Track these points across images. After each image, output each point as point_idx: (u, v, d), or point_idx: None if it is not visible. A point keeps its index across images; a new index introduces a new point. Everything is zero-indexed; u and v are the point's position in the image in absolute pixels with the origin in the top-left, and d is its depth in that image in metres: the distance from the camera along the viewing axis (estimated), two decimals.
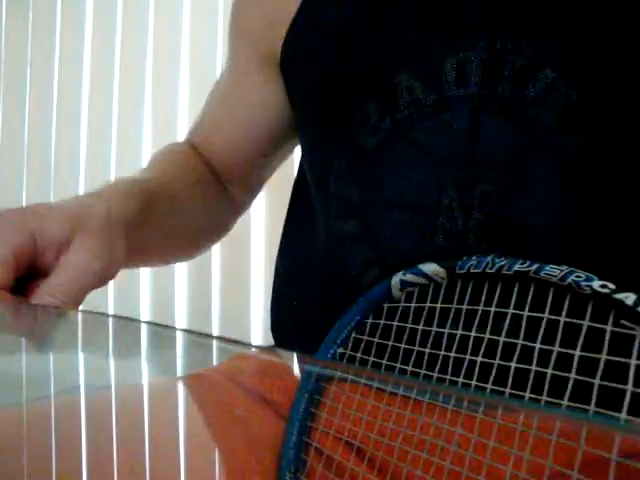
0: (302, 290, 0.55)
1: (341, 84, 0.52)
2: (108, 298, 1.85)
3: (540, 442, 0.30)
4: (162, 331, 1.66)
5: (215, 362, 0.59)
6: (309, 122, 0.58)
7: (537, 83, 0.43)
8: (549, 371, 0.30)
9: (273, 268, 0.60)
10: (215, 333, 1.67)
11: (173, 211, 0.57)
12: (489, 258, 0.36)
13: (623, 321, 0.28)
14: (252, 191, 0.71)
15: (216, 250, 1.64)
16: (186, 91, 1.71)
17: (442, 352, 0.38)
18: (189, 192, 0.61)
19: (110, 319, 1.80)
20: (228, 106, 0.66)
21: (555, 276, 0.32)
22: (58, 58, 1.98)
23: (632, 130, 0.43)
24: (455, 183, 0.43)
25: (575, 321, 0.30)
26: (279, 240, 0.61)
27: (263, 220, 1.53)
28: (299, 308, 0.54)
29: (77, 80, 1.93)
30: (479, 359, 0.35)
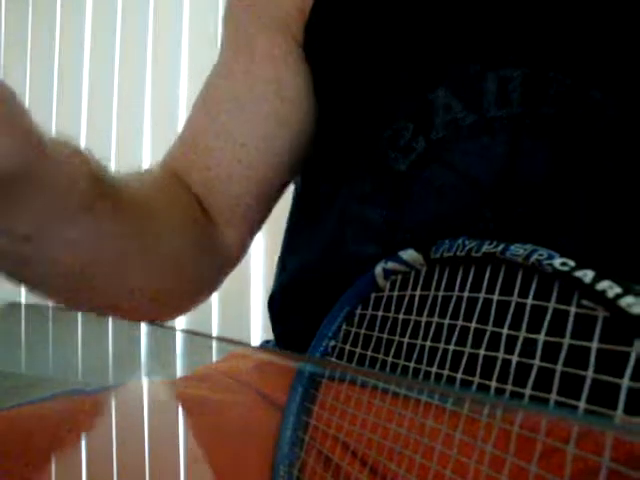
0: (309, 309, 0.49)
1: (370, 94, 0.47)
2: None
3: (550, 450, 0.29)
4: (163, 331, 1.66)
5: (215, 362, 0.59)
6: (330, 129, 0.52)
7: (584, 104, 0.40)
8: (514, 358, 0.30)
9: (273, 269, 0.59)
10: (215, 333, 1.67)
11: (144, 221, 0.39)
12: (460, 240, 0.36)
13: (583, 301, 0.28)
14: (252, 235, 0.52)
15: None
16: (185, 89, 1.71)
17: (419, 341, 0.38)
18: (168, 212, 0.43)
19: (110, 319, 1.80)
20: (238, 105, 0.49)
21: (519, 256, 0.31)
22: (58, 57, 1.99)
23: None
24: (492, 207, 0.41)
25: (541, 303, 0.30)
26: (279, 240, 0.60)
27: None
28: (306, 320, 0.51)
29: (77, 79, 1.93)
30: (451, 347, 0.35)
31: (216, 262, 0.49)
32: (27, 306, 1.74)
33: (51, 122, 1.99)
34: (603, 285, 0.26)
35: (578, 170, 0.40)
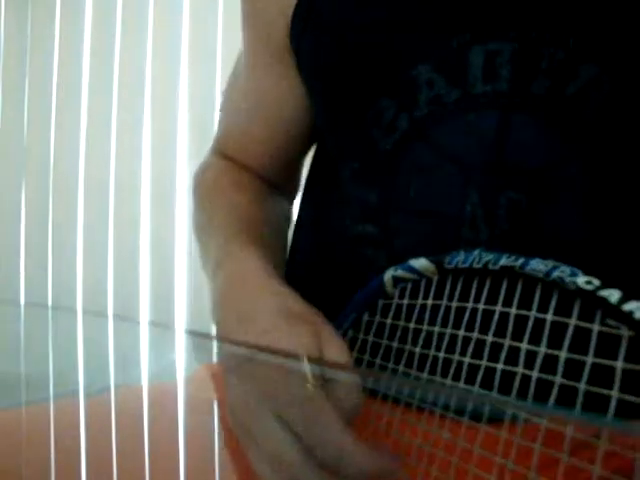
0: (316, 286, 0.51)
1: (351, 75, 0.46)
2: (108, 298, 1.84)
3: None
4: (163, 331, 1.66)
5: (215, 362, 0.58)
6: (319, 114, 0.53)
7: (578, 79, 0.38)
8: (534, 373, 0.29)
9: None
10: (215, 333, 1.66)
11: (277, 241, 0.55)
12: (476, 253, 0.35)
13: (608, 320, 0.27)
14: (296, 183, 0.67)
15: None
16: (185, 88, 1.70)
17: (432, 352, 0.37)
18: (273, 219, 0.57)
19: (110, 319, 1.79)
20: (256, 109, 0.59)
21: (540, 272, 0.31)
22: (57, 57, 1.98)
23: None
24: (479, 190, 0.39)
25: (561, 319, 0.29)
26: None
27: None
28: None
29: (77, 79, 1.93)
30: (466, 360, 0.34)
31: (290, 198, 0.64)
32: (27, 306, 1.73)
33: (50, 123, 1.98)
34: (630, 306, 0.26)
35: (574, 151, 0.38)
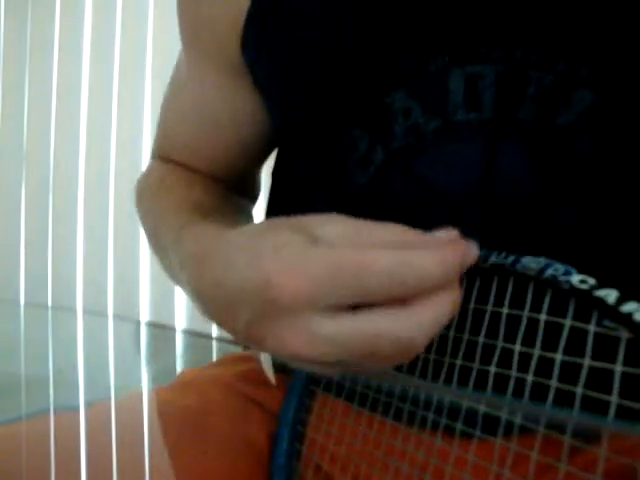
0: None
1: (317, 102, 0.42)
2: (108, 298, 1.84)
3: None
4: (163, 331, 1.66)
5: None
6: (284, 138, 0.49)
7: (570, 107, 0.34)
8: (529, 377, 0.28)
9: None
10: (215, 333, 1.66)
11: None
12: None
13: (606, 321, 0.26)
14: (255, 189, 0.62)
15: None
16: None
17: (422, 354, 0.35)
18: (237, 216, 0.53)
19: (110, 319, 1.79)
20: (207, 127, 0.54)
21: (532, 270, 0.30)
22: (57, 58, 1.98)
23: None
24: (467, 225, 0.36)
25: (555, 319, 0.28)
26: None
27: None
28: None
29: (76, 80, 1.93)
30: (458, 362, 0.33)
31: (250, 202, 0.60)
32: (27, 306, 1.73)
33: (50, 125, 1.98)
34: (629, 307, 0.25)
35: (566, 182, 0.35)
